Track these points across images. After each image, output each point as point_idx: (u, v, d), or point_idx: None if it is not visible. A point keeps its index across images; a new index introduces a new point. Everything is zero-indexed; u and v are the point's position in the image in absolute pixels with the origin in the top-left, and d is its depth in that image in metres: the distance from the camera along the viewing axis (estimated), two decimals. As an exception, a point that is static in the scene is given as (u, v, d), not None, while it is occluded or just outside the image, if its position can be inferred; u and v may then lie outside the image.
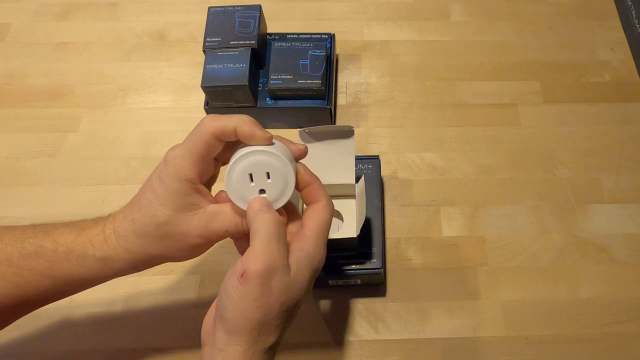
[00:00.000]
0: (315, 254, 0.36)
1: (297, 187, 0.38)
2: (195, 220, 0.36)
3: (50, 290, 0.36)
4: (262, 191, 0.36)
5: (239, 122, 0.35)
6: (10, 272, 0.35)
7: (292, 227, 0.38)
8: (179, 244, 0.36)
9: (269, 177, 0.36)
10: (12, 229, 0.37)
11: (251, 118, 0.36)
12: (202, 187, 0.37)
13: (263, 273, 0.32)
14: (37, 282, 0.35)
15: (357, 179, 0.49)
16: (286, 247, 0.35)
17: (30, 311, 0.38)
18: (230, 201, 0.36)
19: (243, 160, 0.35)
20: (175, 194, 0.35)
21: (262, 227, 0.34)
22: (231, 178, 0.35)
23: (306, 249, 0.36)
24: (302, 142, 0.47)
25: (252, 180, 0.35)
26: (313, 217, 0.37)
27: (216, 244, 0.54)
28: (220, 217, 0.36)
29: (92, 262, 0.36)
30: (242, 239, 0.38)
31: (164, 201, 0.35)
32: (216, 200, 0.38)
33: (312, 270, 0.36)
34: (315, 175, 0.39)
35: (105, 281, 0.38)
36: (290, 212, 0.39)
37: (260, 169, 0.35)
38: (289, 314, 0.35)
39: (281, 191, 0.36)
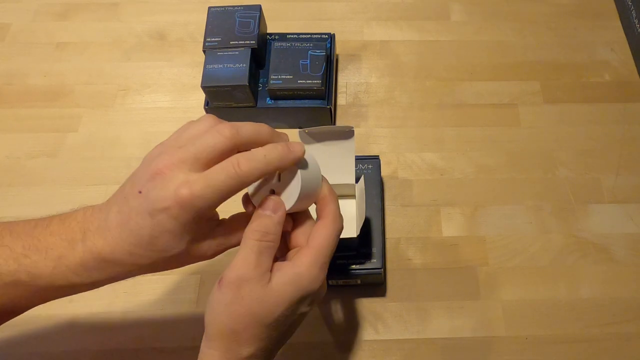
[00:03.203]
0: (307, 275, 0.34)
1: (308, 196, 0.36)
2: (206, 245, 0.34)
3: (24, 307, 0.34)
4: (272, 191, 0.36)
5: (259, 137, 0.34)
6: None
7: (300, 238, 0.36)
8: (178, 265, 0.34)
9: (279, 179, 0.36)
10: None
11: (267, 127, 0.35)
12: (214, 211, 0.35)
13: (235, 280, 0.32)
14: (12, 305, 0.33)
15: (357, 179, 0.49)
16: (270, 259, 0.34)
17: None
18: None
19: None
20: (190, 228, 0.31)
21: (247, 237, 0.33)
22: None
23: (297, 267, 0.34)
24: (301, 143, 0.47)
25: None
26: (315, 235, 0.36)
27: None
28: (232, 239, 0.35)
29: (76, 289, 0.33)
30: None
31: (179, 240, 0.32)
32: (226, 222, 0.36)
33: (298, 290, 0.33)
34: (332, 190, 0.37)
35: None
36: (301, 222, 0.37)
37: (284, 181, 0.35)
38: (269, 329, 0.33)
39: (287, 196, 0.36)
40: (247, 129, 0.33)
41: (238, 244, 0.35)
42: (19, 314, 0.35)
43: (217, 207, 0.32)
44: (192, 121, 0.34)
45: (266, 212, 0.34)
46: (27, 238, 0.33)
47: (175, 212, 0.30)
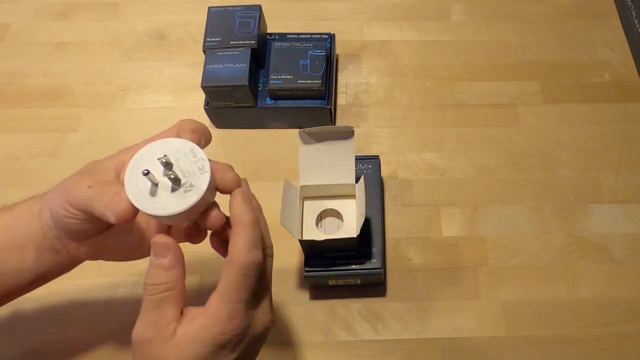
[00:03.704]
0: (215, 325, 0.30)
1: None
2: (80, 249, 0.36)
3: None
4: (153, 188, 0.31)
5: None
6: None
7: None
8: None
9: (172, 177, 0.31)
10: None
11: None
12: None
13: (138, 344, 0.30)
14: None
15: (357, 179, 0.49)
16: (173, 308, 0.30)
17: None
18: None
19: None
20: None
21: (143, 292, 0.31)
22: (132, 164, 0.32)
23: (203, 318, 0.30)
24: (301, 143, 0.47)
25: (147, 174, 0.31)
26: (221, 274, 0.31)
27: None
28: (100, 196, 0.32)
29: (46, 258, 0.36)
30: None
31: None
32: None
33: (206, 343, 0.30)
34: (247, 218, 0.31)
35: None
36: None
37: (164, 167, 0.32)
38: None
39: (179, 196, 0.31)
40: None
41: (104, 211, 0.31)
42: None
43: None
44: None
45: (155, 258, 0.31)
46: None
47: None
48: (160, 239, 0.31)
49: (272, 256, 0.36)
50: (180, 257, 0.32)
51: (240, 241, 0.31)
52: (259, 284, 0.32)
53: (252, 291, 0.31)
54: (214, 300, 0.31)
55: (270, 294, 0.34)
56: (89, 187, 0.31)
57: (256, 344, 0.34)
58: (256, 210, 0.33)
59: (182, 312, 0.31)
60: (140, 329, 0.30)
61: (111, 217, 0.30)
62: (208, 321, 0.30)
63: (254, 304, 0.32)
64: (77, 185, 0.32)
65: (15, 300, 0.51)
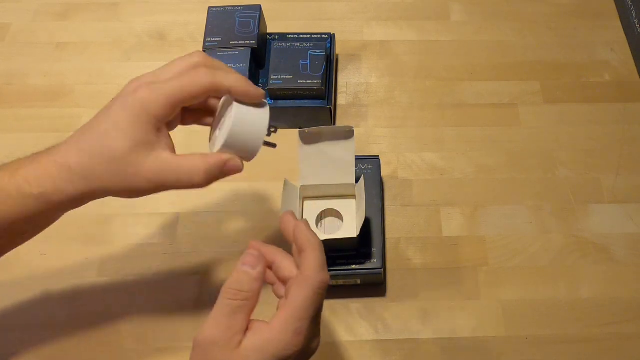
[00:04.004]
0: (279, 340, 0.31)
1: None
2: (150, 162, 0.34)
3: None
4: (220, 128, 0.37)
5: (234, 84, 0.35)
6: None
7: (280, 290, 0.35)
8: (125, 182, 0.34)
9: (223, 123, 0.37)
10: None
11: (245, 78, 0.36)
12: (165, 130, 0.35)
13: (203, 343, 0.31)
14: None
15: (357, 179, 0.49)
16: (244, 318, 0.32)
17: None
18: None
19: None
20: (138, 126, 0.33)
21: (221, 294, 0.32)
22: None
23: (269, 333, 0.31)
24: (301, 143, 0.47)
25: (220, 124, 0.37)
26: (290, 294, 0.32)
27: (216, 244, 0.54)
28: (174, 166, 0.35)
29: (29, 201, 0.33)
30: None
31: (124, 133, 0.33)
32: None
33: (269, 357, 0.31)
34: (316, 240, 0.34)
35: (45, 223, 0.36)
36: (282, 267, 0.35)
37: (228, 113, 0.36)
38: None
39: (221, 136, 0.36)
40: (227, 79, 0.35)
41: (179, 177, 0.35)
42: None
43: (169, 111, 0.34)
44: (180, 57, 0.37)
45: (244, 267, 0.33)
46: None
47: (126, 99, 0.34)
48: (255, 251, 0.34)
49: None
50: (264, 272, 0.34)
51: (313, 262, 0.33)
52: (320, 303, 0.34)
53: (317, 310, 0.33)
54: (283, 316, 0.32)
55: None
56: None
57: None
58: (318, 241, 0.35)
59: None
60: (211, 330, 0.31)
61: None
62: (274, 335, 0.31)
63: (315, 323, 0.34)
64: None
65: (15, 300, 0.51)
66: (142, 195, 0.35)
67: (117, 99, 0.35)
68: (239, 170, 0.36)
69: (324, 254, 0.34)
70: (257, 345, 0.31)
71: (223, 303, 0.32)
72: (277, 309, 0.34)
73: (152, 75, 0.36)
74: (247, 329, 0.32)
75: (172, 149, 0.36)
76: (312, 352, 0.35)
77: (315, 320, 0.33)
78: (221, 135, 0.36)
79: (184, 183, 0.35)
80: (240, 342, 0.31)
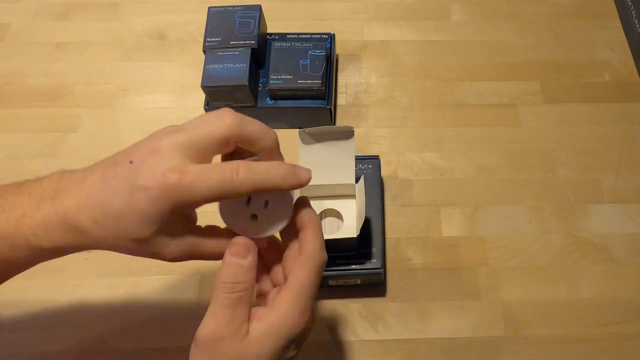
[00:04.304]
0: (287, 321, 0.31)
1: (292, 224, 0.34)
2: (173, 245, 0.31)
3: None
4: (253, 216, 0.33)
5: (264, 138, 0.32)
6: None
7: (278, 274, 0.35)
8: (141, 254, 0.31)
9: (266, 206, 0.33)
10: None
11: (276, 136, 0.33)
12: (193, 212, 0.33)
13: (208, 340, 0.30)
14: None
15: (357, 179, 0.49)
16: (245, 309, 0.31)
17: None
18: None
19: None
20: (164, 221, 0.29)
21: (217, 289, 0.32)
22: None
23: (275, 315, 0.31)
24: (301, 143, 0.47)
25: (248, 202, 0.33)
26: (292, 275, 0.32)
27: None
28: (200, 248, 0.33)
29: (37, 253, 0.31)
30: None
31: (147, 225, 0.29)
32: (203, 230, 0.34)
33: (280, 339, 0.31)
34: (316, 222, 0.34)
35: (33, 265, 0.33)
36: (277, 251, 0.35)
37: (262, 195, 0.33)
38: None
39: (272, 225, 0.33)
40: (253, 125, 0.31)
41: (204, 257, 0.33)
42: None
43: (198, 206, 0.30)
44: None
45: (234, 258, 0.32)
46: None
47: (155, 194, 0.28)
48: (242, 240, 0.33)
49: None
50: (257, 260, 0.33)
51: (315, 241, 0.33)
52: (319, 282, 0.34)
53: (318, 288, 0.34)
54: (287, 297, 0.32)
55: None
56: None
57: (300, 348, 0.34)
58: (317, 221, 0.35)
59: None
60: (212, 327, 0.31)
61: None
62: (281, 317, 0.31)
63: (315, 300, 0.34)
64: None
65: (14, 300, 0.51)
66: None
67: (141, 162, 0.29)
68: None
69: (322, 233, 0.35)
70: (266, 331, 0.31)
71: (221, 297, 0.31)
72: (267, 298, 0.34)
73: (181, 129, 0.31)
74: (249, 318, 0.32)
75: (195, 223, 0.34)
76: (309, 336, 0.35)
77: (315, 299, 0.34)
78: (258, 227, 0.33)
79: (207, 259, 0.33)
80: (247, 331, 0.31)
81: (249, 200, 0.33)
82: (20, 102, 0.63)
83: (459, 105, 0.63)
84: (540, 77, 0.65)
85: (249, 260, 0.32)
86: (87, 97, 0.63)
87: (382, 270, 0.49)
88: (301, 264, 0.33)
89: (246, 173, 0.30)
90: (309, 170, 0.33)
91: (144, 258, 0.50)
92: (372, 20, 0.70)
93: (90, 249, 0.31)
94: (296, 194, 0.35)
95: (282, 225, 0.34)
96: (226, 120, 0.31)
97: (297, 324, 0.32)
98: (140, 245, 0.30)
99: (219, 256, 0.33)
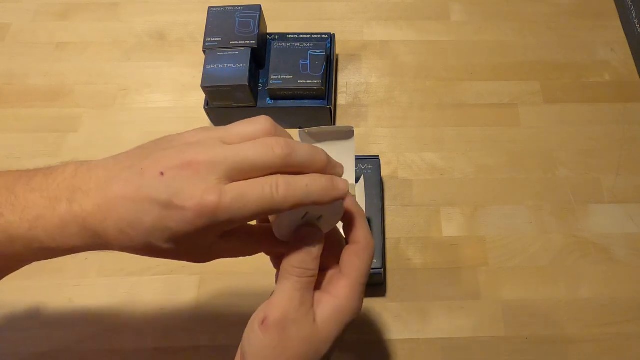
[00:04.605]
0: (348, 307, 0.32)
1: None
2: (200, 255, 0.31)
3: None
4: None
5: (313, 163, 0.31)
6: None
7: (330, 260, 0.35)
8: (170, 258, 0.30)
9: (319, 220, 0.34)
10: None
11: (325, 156, 0.32)
12: None
13: (280, 322, 0.30)
14: None
15: (357, 179, 0.49)
16: (311, 294, 0.32)
17: None
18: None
19: None
20: (197, 237, 0.28)
21: (288, 272, 0.32)
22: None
23: (337, 300, 0.32)
24: (301, 143, 0.47)
25: (304, 217, 0.33)
26: (350, 263, 0.33)
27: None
28: (232, 253, 0.32)
29: (51, 253, 0.30)
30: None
31: (177, 242, 0.28)
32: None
33: (342, 324, 0.32)
34: (361, 210, 0.35)
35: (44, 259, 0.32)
36: (332, 246, 0.35)
37: (317, 211, 0.33)
38: None
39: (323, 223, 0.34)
40: (303, 154, 0.30)
41: (236, 255, 0.33)
42: None
43: (236, 225, 0.29)
44: (248, 119, 0.31)
45: (305, 246, 0.32)
46: (5, 193, 0.29)
47: (190, 216, 0.27)
48: (310, 228, 0.33)
49: None
50: (321, 253, 0.33)
51: (366, 230, 0.34)
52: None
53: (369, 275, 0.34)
54: (348, 284, 0.32)
55: None
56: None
57: None
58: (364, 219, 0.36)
59: None
60: (284, 308, 0.30)
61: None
62: (343, 303, 0.32)
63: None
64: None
65: (14, 301, 0.51)
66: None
67: (174, 177, 0.27)
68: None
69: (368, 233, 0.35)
70: (331, 316, 0.31)
71: (293, 281, 0.31)
72: (321, 285, 0.34)
73: (219, 142, 0.29)
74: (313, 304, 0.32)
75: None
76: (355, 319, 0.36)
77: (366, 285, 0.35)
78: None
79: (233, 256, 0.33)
80: (314, 317, 0.31)
81: (304, 216, 0.33)
82: (20, 102, 0.63)
83: (459, 105, 0.63)
84: (540, 77, 0.65)
85: (317, 248, 0.32)
86: (87, 97, 0.63)
87: (382, 270, 0.49)
88: (357, 253, 0.33)
89: (286, 190, 0.28)
90: (345, 181, 0.32)
91: (143, 258, 0.50)
92: (372, 20, 0.70)
93: (109, 250, 0.30)
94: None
95: (330, 228, 0.34)
96: (277, 152, 0.29)
97: (355, 310, 0.32)
98: (169, 256, 0.30)
99: (250, 254, 0.33)
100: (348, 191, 0.34)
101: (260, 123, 0.31)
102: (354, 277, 0.33)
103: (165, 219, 0.27)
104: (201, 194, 0.26)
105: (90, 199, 0.28)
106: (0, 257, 0.30)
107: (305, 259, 0.32)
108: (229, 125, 0.31)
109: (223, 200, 0.27)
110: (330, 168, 0.32)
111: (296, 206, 0.29)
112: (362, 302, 0.33)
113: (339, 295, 0.32)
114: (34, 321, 0.50)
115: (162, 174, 0.27)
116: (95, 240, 0.29)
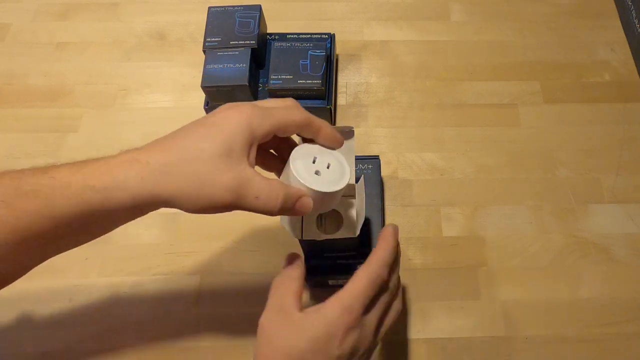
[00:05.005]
0: (327, 316, 0.34)
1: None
2: (235, 172, 0.33)
3: (53, 233, 0.32)
4: (317, 172, 0.37)
5: (324, 125, 0.38)
6: (7, 214, 0.31)
7: None
8: (203, 189, 0.32)
9: (328, 168, 0.38)
10: (11, 171, 0.33)
11: (328, 124, 0.39)
12: (254, 150, 0.35)
13: (260, 326, 0.34)
14: (37, 225, 0.31)
15: (357, 180, 0.49)
16: (294, 303, 0.35)
17: (43, 260, 0.35)
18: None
19: (315, 144, 0.39)
20: (235, 137, 0.33)
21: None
22: (298, 151, 0.38)
23: (318, 311, 0.34)
24: (301, 142, 0.47)
25: (314, 162, 0.38)
26: (352, 277, 0.36)
27: (216, 244, 0.54)
28: (257, 183, 0.34)
29: (89, 194, 0.32)
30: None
31: (218, 139, 0.32)
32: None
33: (323, 333, 0.33)
34: (389, 236, 0.39)
35: (111, 225, 0.35)
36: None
37: (325, 158, 0.39)
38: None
39: (335, 180, 0.38)
40: (320, 122, 0.38)
41: (256, 200, 0.34)
42: (46, 251, 0.34)
43: (269, 134, 0.34)
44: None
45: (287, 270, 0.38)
46: (81, 176, 0.33)
47: (234, 116, 0.33)
48: (294, 256, 0.39)
49: (394, 296, 0.39)
50: (301, 267, 0.38)
51: (379, 256, 0.37)
52: (376, 298, 0.36)
53: (370, 298, 0.35)
54: (337, 295, 0.35)
55: (381, 323, 0.38)
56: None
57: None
58: (396, 247, 0.40)
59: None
60: (267, 316, 0.35)
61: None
62: (322, 311, 0.34)
63: (366, 311, 0.36)
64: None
65: (14, 300, 0.51)
66: (209, 211, 0.33)
67: (217, 112, 0.35)
68: (307, 211, 0.36)
69: (394, 256, 0.39)
70: (306, 318, 0.35)
71: (270, 295, 0.36)
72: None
73: (252, 103, 0.36)
74: (301, 311, 0.35)
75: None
76: (356, 346, 0.37)
77: (366, 309, 0.37)
78: (318, 182, 0.37)
79: (260, 204, 0.34)
80: (294, 316, 0.35)
81: (314, 161, 0.38)
82: (20, 102, 0.63)
83: (459, 105, 0.63)
84: (540, 77, 0.65)
85: (297, 271, 0.38)
86: (87, 97, 0.63)
87: (382, 270, 0.49)
88: (362, 269, 0.36)
89: (299, 111, 0.37)
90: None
91: (143, 258, 0.50)
92: (372, 20, 0.70)
93: (148, 191, 0.33)
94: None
95: (339, 187, 0.38)
96: (300, 115, 0.37)
97: (334, 320, 0.34)
98: (206, 165, 0.32)
99: (269, 201, 0.34)
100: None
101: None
102: (348, 289, 0.35)
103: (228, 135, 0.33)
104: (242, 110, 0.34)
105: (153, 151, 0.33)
106: (99, 215, 0.32)
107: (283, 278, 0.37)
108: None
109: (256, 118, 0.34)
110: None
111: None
112: (349, 320, 0.34)
113: (326, 305, 0.34)
114: (34, 321, 0.50)
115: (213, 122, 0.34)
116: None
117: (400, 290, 0.40)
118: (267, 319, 0.35)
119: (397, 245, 0.39)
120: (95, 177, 0.32)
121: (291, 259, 0.39)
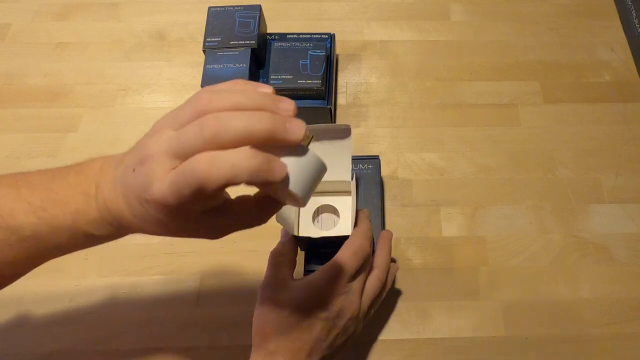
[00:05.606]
0: (314, 283, 0.40)
1: None
2: (207, 227, 0.31)
3: (38, 262, 0.35)
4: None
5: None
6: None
7: None
8: (189, 236, 0.32)
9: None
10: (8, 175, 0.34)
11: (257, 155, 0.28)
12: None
13: (260, 290, 0.41)
14: (27, 260, 0.34)
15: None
16: (288, 271, 0.42)
17: (43, 261, 0.35)
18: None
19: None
20: (182, 217, 0.29)
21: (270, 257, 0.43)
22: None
23: (305, 279, 0.40)
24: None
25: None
26: (340, 249, 0.42)
27: (216, 244, 0.54)
28: (237, 221, 0.32)
29: (94, 241, 0.33)
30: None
31: (168, 224, 0.30)
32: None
33: (311, 297, 0.40)
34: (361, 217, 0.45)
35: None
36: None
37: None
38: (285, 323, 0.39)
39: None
40: (235, 129, 0.27)
41: (243, 226, 0.32)
42: (30, 270, 0.35)
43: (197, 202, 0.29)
44: (212, 88, 0.30)
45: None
46: (44, 191, 0.33)
47: (154, 207, 0.28)
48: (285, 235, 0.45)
49: (380, 270, 0.45)
50: (294, 242, 0.44)
51: (360, 225, 0.44)
52: (362, 268, 0.42)
53: (354, 268, 0.41)
54: (324, 266, 0.41)
55: (365, 292, 0.43)
56: None
57: (343, 329, 0.41)
58: (369, 238, 0.44)
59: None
60: (265, 282, 0.41)
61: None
62: (310, 279, 0.40)
63: (352, 279, 0.41)
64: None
65: (14, 300, 0.51)
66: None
67: (138, 173, 0.29)
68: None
69: (369, 227, 0.45)
70: (297, 284, 0.41)
71: (268, 264, 0.43)
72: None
73: (170, 127, 0.31)
74: (293, 280, 0.42)
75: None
76: (347, 322, 0.43)
77: (350, 279, 0.42)
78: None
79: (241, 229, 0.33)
80: (288, 283, 0.42)
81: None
82: (20, 102, 0.63)
83: (459, 105, 0.63)
84: (540, 77, 0.65)
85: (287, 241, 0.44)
86: (87, 97, 0.63)
87: (382, 270, 0.49)
88: (346, 243, 0.43)
89: (209, 168, 0.27)
90: (283, 165, 0.30)
91: (143, 258, 0.51)
92: (372, 20, 0.70)
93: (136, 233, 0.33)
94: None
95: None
96: (205, 134, 0.28)
97: (320, 288, 0.40)
98: (171, 234, 0.31)
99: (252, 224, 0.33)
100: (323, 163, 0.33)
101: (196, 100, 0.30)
102: (334, 259, 0.41)
103: (147, 212, 0.29)
104: (151, 186, 0.28)
105: (106, 195, 0.31)
106: (45, 246, 0.33)
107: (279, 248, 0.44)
108: (188, 100, 0.30)
109: (163, 190, 0.28)
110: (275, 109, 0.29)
111: (228, 183, 0.27)
112: (336, 289, 0.40)
113: (315, 273, 0.41)
114: (34, 321, 0.50)
115: (134, 170, 0.30)
116: (127, 228, 0.32)
117: (389, 268, 0.46)
118: (265, 286, 0.41)
119: (383, 231, 0.47)
120: (98, 229, 0.33)
121: (286, 232, 0.45)
